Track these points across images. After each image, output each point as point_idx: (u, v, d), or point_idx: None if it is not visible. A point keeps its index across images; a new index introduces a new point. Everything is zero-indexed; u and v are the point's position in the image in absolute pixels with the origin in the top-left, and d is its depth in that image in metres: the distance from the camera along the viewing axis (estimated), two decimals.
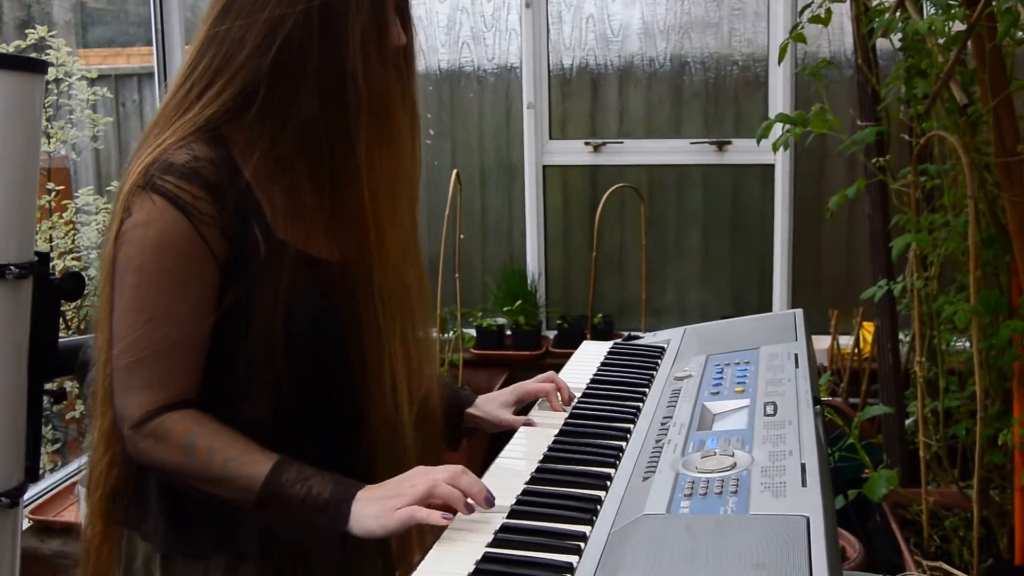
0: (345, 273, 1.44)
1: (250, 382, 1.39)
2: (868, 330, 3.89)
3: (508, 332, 4.41)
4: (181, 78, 1.44)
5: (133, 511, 1.49)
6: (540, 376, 1.78)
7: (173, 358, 1.36)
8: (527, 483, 1.41)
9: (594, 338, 3.96)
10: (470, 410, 1.74)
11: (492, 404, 1.74)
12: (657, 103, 4.33)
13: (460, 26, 4.45)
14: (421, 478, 1.34)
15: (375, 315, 1.44)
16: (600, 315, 4.30)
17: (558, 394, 1.75)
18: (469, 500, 1.32)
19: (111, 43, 4.58)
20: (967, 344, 2.79)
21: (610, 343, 2.12)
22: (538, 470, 1.45)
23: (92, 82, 4.25)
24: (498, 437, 1.71)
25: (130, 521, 1.50)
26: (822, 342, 4.02)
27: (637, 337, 2.17)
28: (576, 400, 1.76)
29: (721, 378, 1.66)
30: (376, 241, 1.41)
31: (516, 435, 1.64)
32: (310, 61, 1.36)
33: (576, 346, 2.17)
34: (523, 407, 1.79)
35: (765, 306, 4.31)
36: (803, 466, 1.24)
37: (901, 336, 3.21)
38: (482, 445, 3.80)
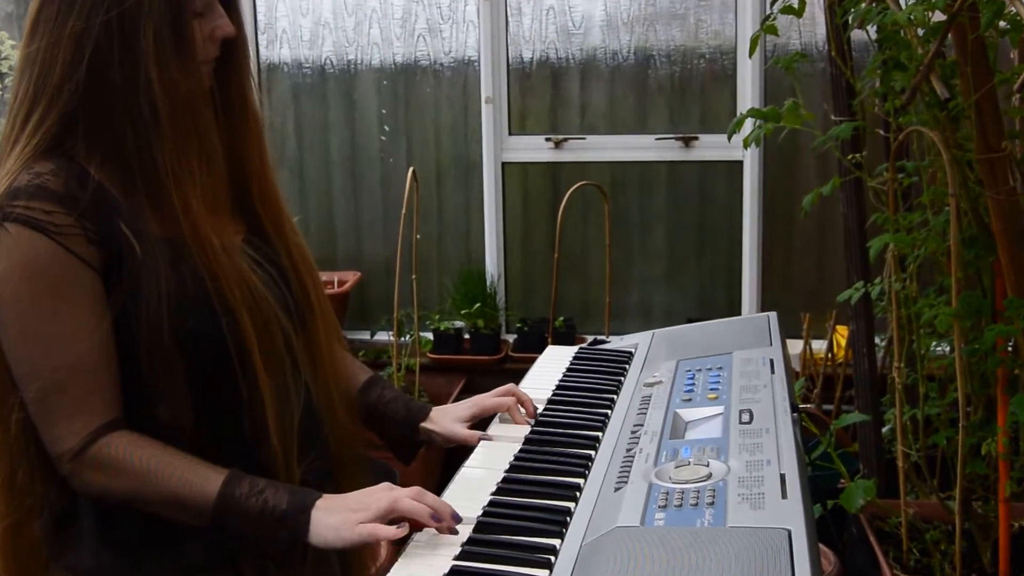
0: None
1: (158, 386, 1.38)
2: (842, 334, 3.90)
3: (467, 336, 4.40)
4: (9, 107, 1.45)
5: (69, 552, 1.46)
6: (500, 389, 1.76)
7: (85, 377, 1.36)
8: (493, 494, 1.39)
9: (556, 342, 3.93)
10: (424, 424, 1.71)
11: (447, 418, 1.72)
12: (621, 98, 4.33)
13: (416, 18, 4.43)
14: (384, 493, 1.34)
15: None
16: (562, 318, 4.29)
17: (520, 408, 1.72)
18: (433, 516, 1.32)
19: None
20: (947, 349, 2.79)
21: (575, 348, 2.11)
22: (504, 480, 1.43)
23: None
24: (455, 451, 1.69)
25: (63, 562, 1.47)
26: (794, 346, 4.03)
27: (603, 341, 2.16)
28: (542, 408, 1.73)
29: (693, 384, 1.65)
30: (197, 245, 1.41)
31: (478, 447, 1.62)
32: (113, 73, 1.37)
33: (537, 350, 2.15)
34: (481, 421, 1.75)
35: (734, 309, 4.31)
36: (782, 476, 1.23)
37: (877, 340, 3.21)
38: (437, 460, 3.77)
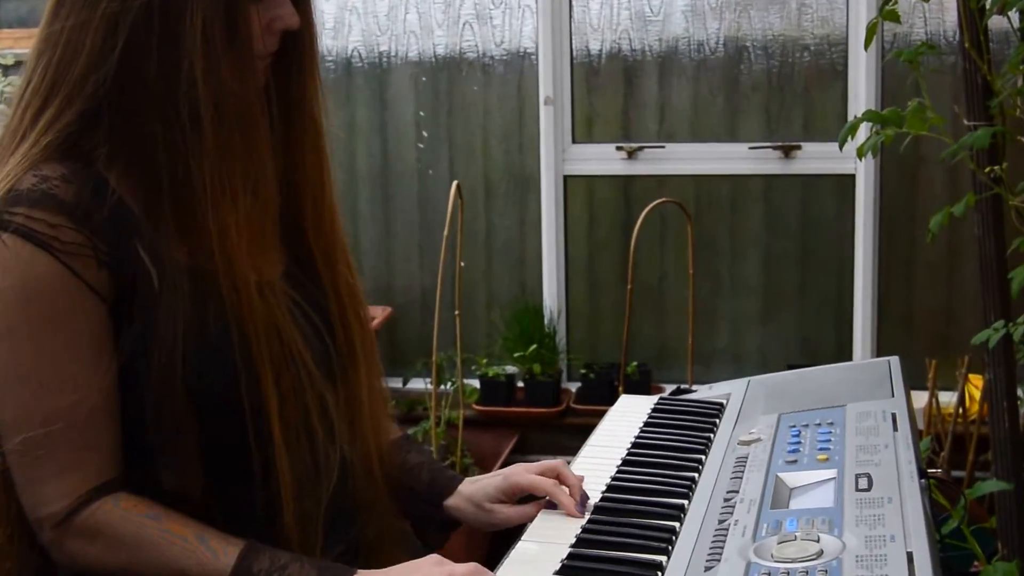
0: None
1: (165, 446, 1.39)
2: (976, 385, 3.86)
3: (520, 384, 4.41)
4: (19, 94, 1.45)
5: None
6: (541, 465, 1.64)
7: (83, 429, 1.36)
8: (557, 574, 1.39)
9: (628, 391, 3.94)
10: (450, 501, 1.67)
11: (478, 494, 1.66)
12: (707, 98, 4.34)
13: (461, 2, 4.48)
14: (434, 568, 1.34)
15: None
16: (635, 363, 4.29)
17: (564, 489, 1.61)
18: None
19: (24, 23, 4.60)
20: None
21: (653, 398, 2.11)
22: (570, 557, 1.43)
23: (6, 70, 4.27)
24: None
25: None
26: (917, 399, 3.99)
27: (688, 391, 2.16)
28: (614, 470, 1.73)
29: (798, 443, 1.64)
30: (230, 282, 1.41)
31: (537, 517, 1.62)
32: (150, 66, 1.38)
33: (605, 401, 2.15)
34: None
35: (843, 353, 4.29)
36: (909, 555, 1.23)
37: (1021, 393, 3.18)
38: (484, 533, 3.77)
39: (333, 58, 4.58)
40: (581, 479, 1.62)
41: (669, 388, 2.27)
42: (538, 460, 1.70)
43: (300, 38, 1.49)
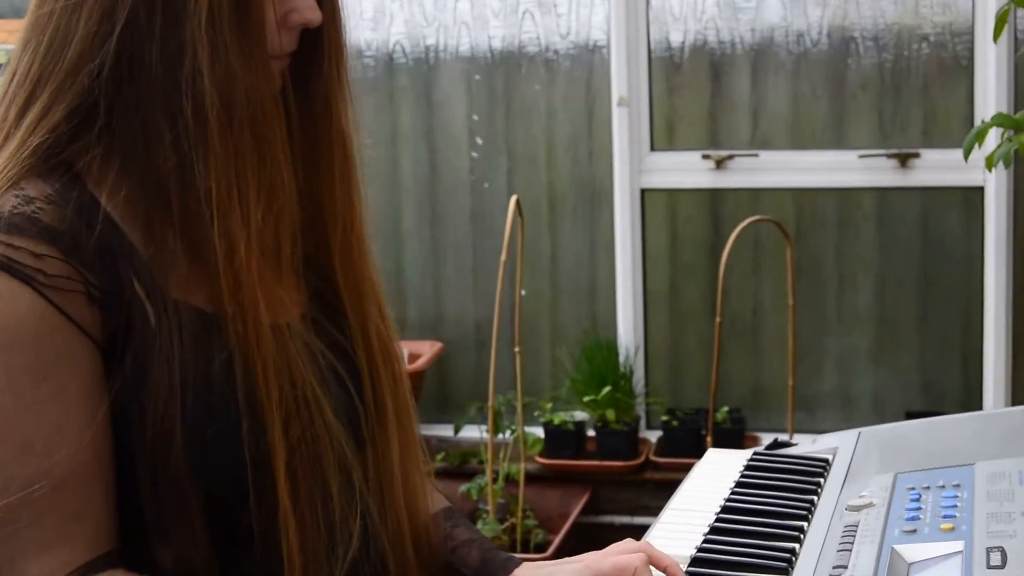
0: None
1: (163, 515, 1.37)
2: None
3: (591, 433, 4.41)
4: (2, 89, 1.44)
5: None
6: (623, 545, 1.56)
7: (72, 495, 1.33)
8: None
9: (718, 442, 3.92)
10: None
11: None
12: (809, 98, 4.33)
13: None
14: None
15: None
16: (726, 409, 4.27)
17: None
18: None
19: (20, 13, 4.68)
20: None
21: (747, 452, 2.10)
22: None
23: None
24: None
25: None
26: None
27: (787, 444, 2.15)
28: (700, 539, 1.73)
29: (918, 509, 1.63)
30: (237, 315, 1.40)
31: None
32: (151, 54, 1.38)
33: (691, 454, 2.15)
34: None
35: (973, 400, 4.25)
36: None
37: None
38: None
39: (372, 53, 4.61)
40: (676, 564, 1.56)
41: (765, 438, 2.27)
42: (612, 521, 1.70)
43: (324, 37, 1.49)
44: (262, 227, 1.41)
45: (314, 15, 1.45)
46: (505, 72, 4.55)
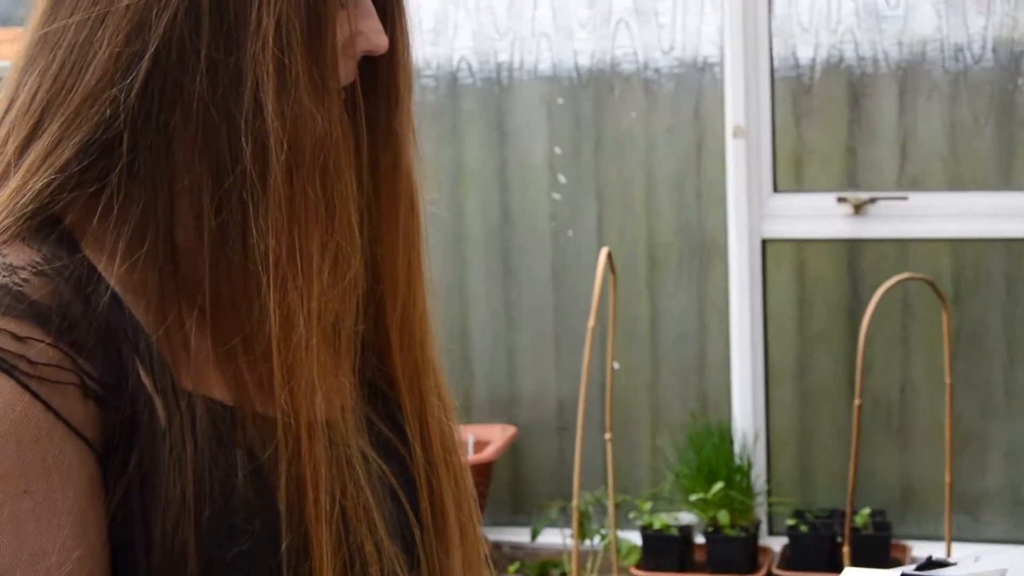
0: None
1: None
2: None
3: (700, 539, 4.38)
4: None
5: None
6: None
7: None
8: None
9: (857, 552, 3.87)
10: None
11: None
12: (970, 127, 4.31)
13: None
14: None
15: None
16: (868, 511, 4.24)
17: None
18: None
19: (7, 21, 4.73)
20: None
21: (895, 573, 2.06)
22: None
23: None
24: None
25: None
26: None
27: (943, 564, 2.11)
28: None
29: None
30: (291, 392, 1.38)
31: None
32: (196, 82, 1.35)
33: (821, 566, 2.13)
34: None
35: None
36: None
37: None
38: None
39: (432, 72, 4.64)
40: None
41: (916, 547, 2.23)
42: None
43: (389, 65, 1.50)
44: (326, 298, 1.39)
45: (382, 41, 1.44)
46: (594, 95, 4.55)
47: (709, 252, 4.50)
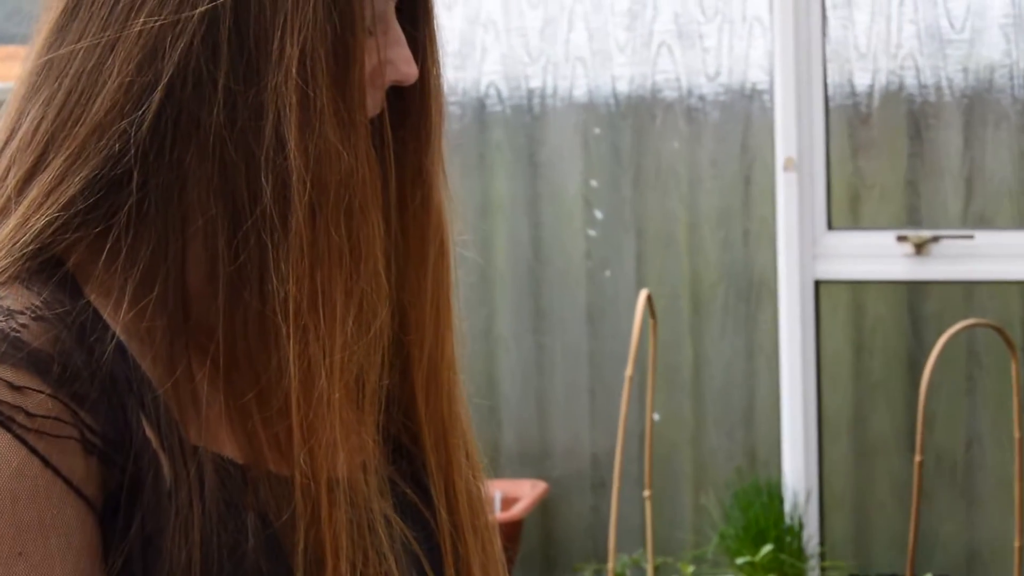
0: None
1: None
2: None
3: None
4: None
5: None
6: None
7: None
8: None
9: None
10: None
11: None
12: None
13: (655, 13, 4.52)
14: None
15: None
16: None
17: None
18: None
19: (11, 39, 4.75)
20: None
21: None
22: None
23: None
24: None
25: None
26: None
27: None
28: None
29: None
30: (311, 451, 1.38)
31: None
32: (213, 114, 1.35)
33: None
34: None
35: None
36: None
37: None
38: None
39: (458, 98, 4.64)
40: None
41: None
42: None
43: (418, 97, 1.49)
44: (350, 350, 1.39)
45: (411, 70, 1.44)
46: (633, 124, 4.55)
47: (757, 294, 4.49)
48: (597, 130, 4.57)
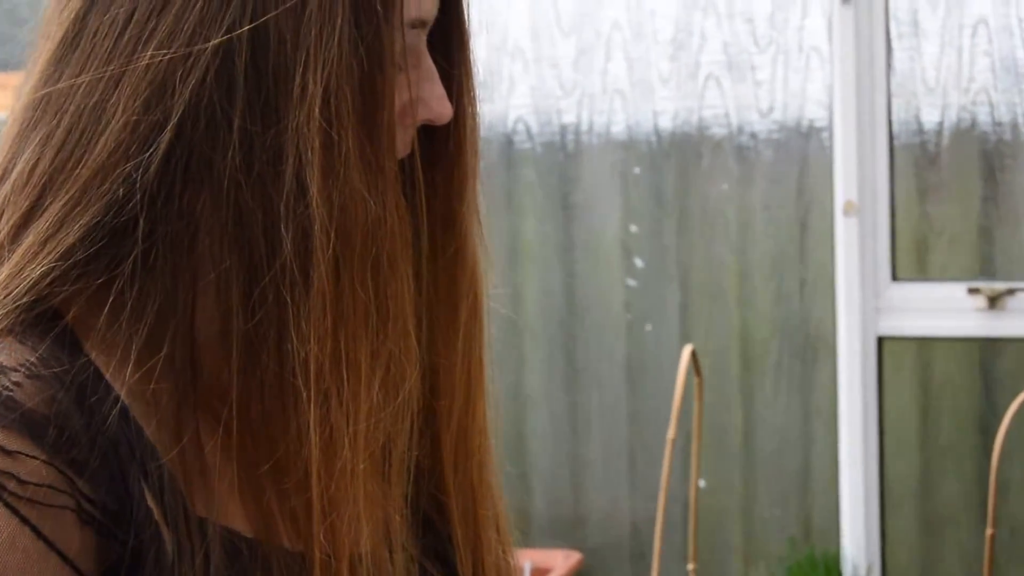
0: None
1: None
2: None
3: None
4: None
5: None
6: None
7: None
8: None
9: None
10: None
11: None
12: None
13: (702, 41, 4.53)
14: None
15: None
16: None
17: None
18: None
19: (6, 66, 4.78)
20: None
21: None
22: None
23: None
24: None
25: None
26: None
27: None
28: None
29: None
30: (332, 528, 1.38)
31: None
32: (227, 158, 1.35)
33: None
34: None
35: None
36: None
37: None
38: None
39: (484, 134, 4.59)
40: None
41: None
42: None
43: (451, 137, 1.50)
44: (376, 417, 1.39)
45: (445, 108, 1.44)
46: (678, 164, 4.57)
47: (814, 351, 4.49)
48: (637, 170, 4.58)
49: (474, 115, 1.51)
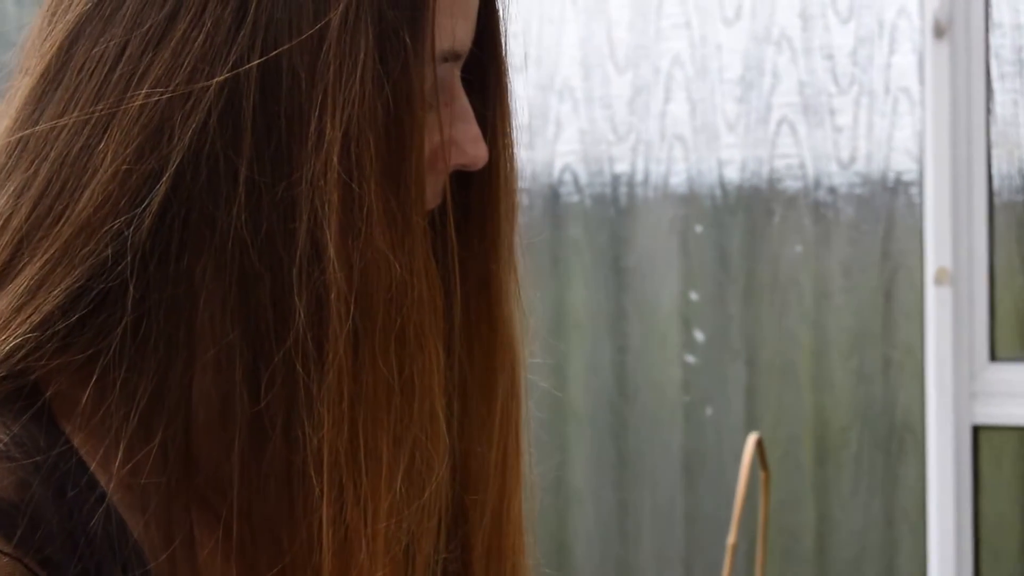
0: None
1: None
2: None
3: None
4: None
5: None
6: None
7: None
8: None
9: None
10: None
11: None
12: None
13: (774, 80, 4.57)
14: None
15: None
16: None
17: None
18: None
19: None
20: None
21: None
22: None
23: None
24: None
25: None
26: None
27: None
28: None
29: None
30: None
31: None
32: (230, 214, 1.34)
33: None
34: None
35: None
36: None
37: None
38: None
39: (526, 185, 4.62)
40: None
41: None
42: None
43: (486, 185, 1.52)
44: (399, 515, 1.39)
45: (480, 152, 1.46)
46: (745, 221, 4.61)
47: (900, 442, 4.51)
48: (699, 228, 4.63)
49: (510, 161, 1.52)
